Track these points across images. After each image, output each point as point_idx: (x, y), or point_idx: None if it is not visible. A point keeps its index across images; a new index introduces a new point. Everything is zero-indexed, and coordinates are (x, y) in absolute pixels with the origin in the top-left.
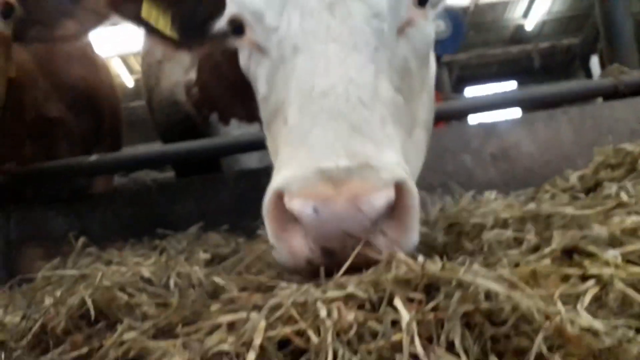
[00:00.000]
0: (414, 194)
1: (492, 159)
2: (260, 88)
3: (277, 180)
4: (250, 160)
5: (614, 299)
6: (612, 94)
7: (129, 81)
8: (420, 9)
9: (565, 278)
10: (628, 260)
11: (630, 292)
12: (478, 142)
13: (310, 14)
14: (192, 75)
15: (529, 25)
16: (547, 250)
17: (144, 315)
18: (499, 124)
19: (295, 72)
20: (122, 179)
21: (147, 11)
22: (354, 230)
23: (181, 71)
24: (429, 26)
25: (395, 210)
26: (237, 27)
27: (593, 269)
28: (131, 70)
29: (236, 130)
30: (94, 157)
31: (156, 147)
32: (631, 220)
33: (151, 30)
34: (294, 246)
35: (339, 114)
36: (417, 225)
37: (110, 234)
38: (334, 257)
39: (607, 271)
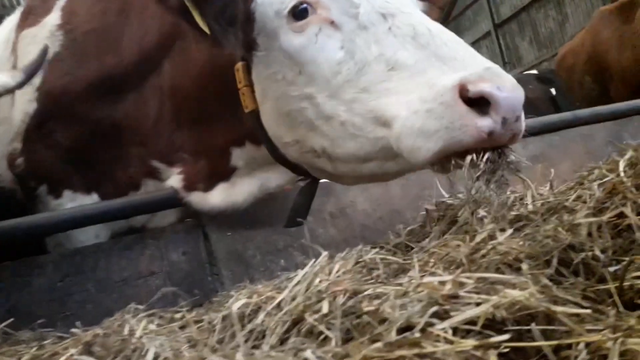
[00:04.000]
0: None
1: (331, 218)
2: (332, 55)
3: (453, 78)
4: (85, 236)
5: None
6: None
7: None
8: None
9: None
10: (456, 328)
11: None
12: (318, 202)
13: None
14: (17, 145)
15: None
16: (379, 329)
17: None
18: (336, 184)
19: (396, 28)
20: None
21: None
22: (519, 102)
23: None
24: None
25: None
26: (301, 10)
27: (428, 347)
28: None
29: (70, 203)
30: None
31: None
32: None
33: (191, 21)
34: (479, 121)
35: (459, 42)
36: None
37: None
38: (508, 126)
39: (441, 347)
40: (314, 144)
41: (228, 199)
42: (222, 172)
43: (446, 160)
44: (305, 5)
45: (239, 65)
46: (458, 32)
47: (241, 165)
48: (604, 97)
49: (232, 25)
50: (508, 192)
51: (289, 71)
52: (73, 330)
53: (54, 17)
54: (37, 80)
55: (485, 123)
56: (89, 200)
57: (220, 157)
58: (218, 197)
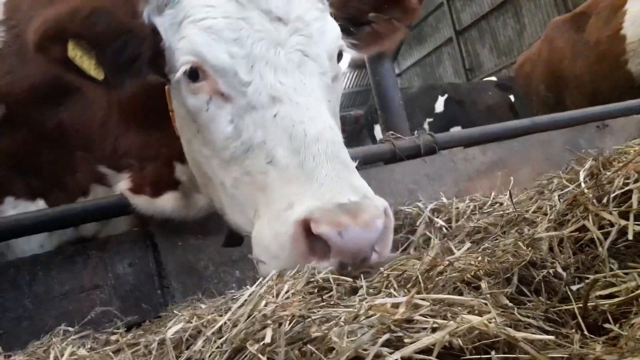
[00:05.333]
0: (392, 218)
1: None
2: (222, 128)
3: (300, 210)
4: (29, 246)
5: None
6: (392, 158)
7: None
8: (338, 64)
9: None
10: (409, 358)
11: None
12: None
13: (284, 71)
14: None
15: None
16: None
17: None
18: None
19: (280, 119)
20: None
21: (73, 51)
22: (364, 247)
23: None
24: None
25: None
26: (193, 72)
27: None
28: None
29: (12, 210)
30: None
31: None
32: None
33: (77, 71)
34: (314, 264)
35: (333, 155)
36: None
37: None
38: (345, 268)
39: None
40: (215, 197)
41: (183, 211)
42: (167, 182)
43: None
44: (196, 70)
45: (167, 89)
46: (420, 38)
47: (185, 180)
48: (560, 105)
49: (134, 62)
50: (467, 200)
51: (191, 124)
52: None
53: None
54: None
55: (320, 266)
56: (34, 207)
57: (164, 167)
58: (168, 203)
